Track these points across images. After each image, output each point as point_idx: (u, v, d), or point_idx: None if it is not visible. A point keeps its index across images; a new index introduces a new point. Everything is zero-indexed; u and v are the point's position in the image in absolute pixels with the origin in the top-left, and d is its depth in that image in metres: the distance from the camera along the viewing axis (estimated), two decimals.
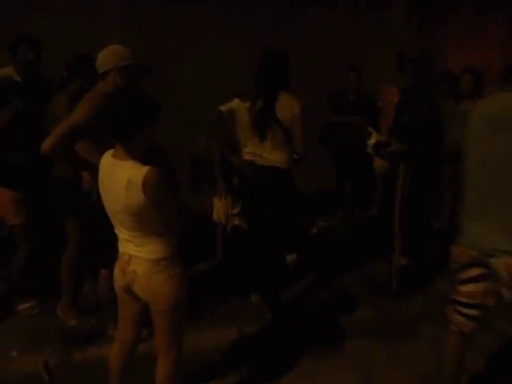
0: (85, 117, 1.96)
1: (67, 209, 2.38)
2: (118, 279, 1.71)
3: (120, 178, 1.53)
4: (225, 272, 3.14)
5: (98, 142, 2.06)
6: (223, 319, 2.62)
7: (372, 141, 2.83)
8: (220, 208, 3.17)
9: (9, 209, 2.55)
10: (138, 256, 1.63)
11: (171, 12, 3.75)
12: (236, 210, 3.18)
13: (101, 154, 1.99)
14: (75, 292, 2.53)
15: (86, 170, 2.11)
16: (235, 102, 2.62)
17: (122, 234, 1.66)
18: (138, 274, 1.63)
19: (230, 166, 2.93)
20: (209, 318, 2.62)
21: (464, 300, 1.78)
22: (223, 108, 2.62)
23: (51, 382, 2.16)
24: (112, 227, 1.69)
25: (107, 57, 2.09)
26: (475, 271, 1.72)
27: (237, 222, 3.19)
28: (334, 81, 3.86)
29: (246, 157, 2.62)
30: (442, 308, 1.95)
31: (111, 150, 1.64)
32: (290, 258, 3.18)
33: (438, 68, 4.00)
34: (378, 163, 3.89)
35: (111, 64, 2.07)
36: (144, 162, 1.54)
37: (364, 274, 3.16)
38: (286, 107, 2.43)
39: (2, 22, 3.26)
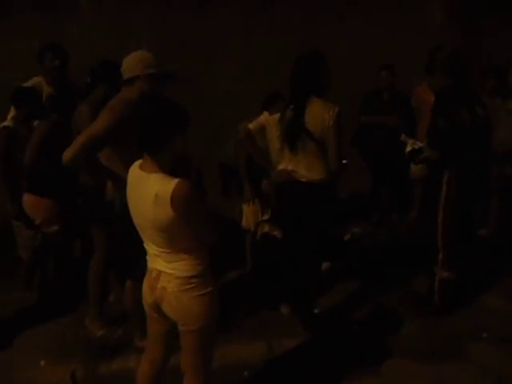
0: (107, 126, 1.91)
1: (92, 217, 2.35)
2: (147, 296, 1.63)
3: (147, 192, 1.45)
4: (254, 282, 3.03)
5: (120, 150, 2.01)
6: (251, 332, 2.51)
7: (408, 149, 2.63)
8: (249, 214, 3.07)
9: (45, 217, 2.60)
10: (167, 272, 1.54)
11: (198, 16, 3.69)
12: (266, 217, 3.08)
13: (124, 163, 1.96)
14: (102, 301, 2.50)
15: (108, 179, 2.07)
16: (263, 117, 2.48)
17: (151, 249, 1.58)
18: (167, 292, 1.54)
19: (257, 170, 2.84)
20: (237, 330, 2.51)
21: None
22: (252, 126, 2.47)
23: None
24: (139, 237, 1.62)
25: (134, 63, 2.04)
26: None
27: (266, 229, 3.09)
28: (368, 81, 3.68)
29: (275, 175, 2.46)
30: (492, 324, 1.74)
31: (139, 161, 1.56)
32: (323, 266, 3.03)
33: (482, 64, 3.73)
34: (414, 167, 3.70)
35: (138, 71, 2.01)
36: (173, 174, 1.46)
37: (403, 286, 2.95)
38: (318, 116, 2.24)
39: (35, 30, 3.32)
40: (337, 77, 2.45)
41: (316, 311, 2.63)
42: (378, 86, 3.69)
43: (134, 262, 2.01)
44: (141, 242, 1.62)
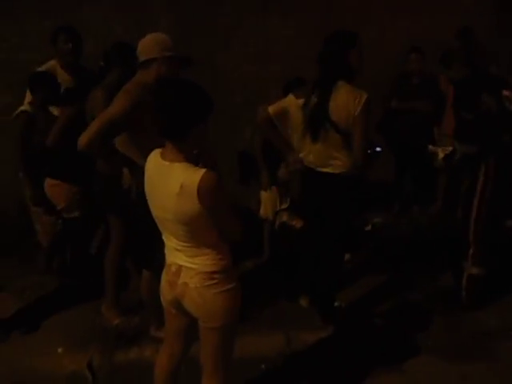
0: (123, 110, 1.84)
1: (109, 205, 2.31)
2: (166, 292, 1.56)
3: (171, 183, 1.36)
4: (271, 272, 2.96)
5: (137, 136, 1.94)
6: (269, 324, 2.45)
7: (440, 156, 2.50)
8: (267, 202, 2.99)
9: (67, 202, 2.60)
10: (189, 267, 1.47)
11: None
12: (284, 206, 3.00)
13: (140, 149, 1.89)
14: (119, 290, 2.47)
15: (125, 166, 2.00)
16: (288, 99, 2.26)
17: (171, 242, 1.50)
18: (189, 288, 1.47)
19: (275, 157, 2.74)
20: (254, 321, 2.44)
21: None
22: (272, 109, 2.26)
23: (94, 382, 2.12)
24: (156, 228, 1.54)
25: (151, 45, 1.94)
26: None
27: (285, 218, 3.02)
28: (395, 65, 3.49)
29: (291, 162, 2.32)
30: None
31: (158, 150, 1.47)
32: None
33: None
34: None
35: (155, 53, 1.92)
36: (198, 164, 1.39)
37: (427, 280, 2.83)
38: (343, 104, 2.06)
39: (48, 11, 3.25)
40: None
41: (336, 304, 2.55)
42: (406, 69, 3.48)
43: (150, 253, 1.97)
44: (158, 232, 1.55)
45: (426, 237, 3.29)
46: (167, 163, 1.40)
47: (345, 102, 2.07)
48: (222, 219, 1.42)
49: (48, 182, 2.59)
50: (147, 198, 1.51)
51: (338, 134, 2.11)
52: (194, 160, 1.41)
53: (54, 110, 2.59)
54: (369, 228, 3.50)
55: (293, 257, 2.67)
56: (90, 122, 1.95)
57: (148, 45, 1.94)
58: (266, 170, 2.86)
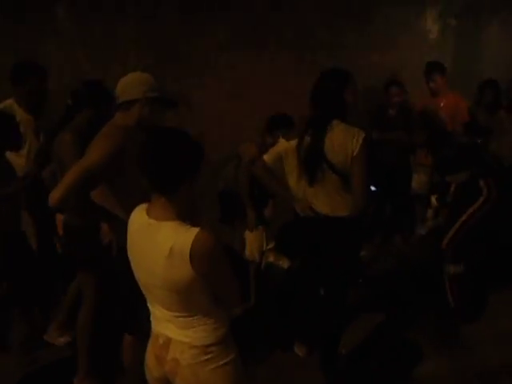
0: (103, 158, 1.62)
1: (80, 259, 2.04)
2: (152, 368, 1.33)
3: (159, 245, 1.19)
4: (260, 318, 2.75)
5: (116, 186, 1.72)
6: (265, 379, 2.23)
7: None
8: (253, 242, 2.81)
9: None
10: (180, 341, 1.26)
11: (187, 31, 3.43)
12: (271, 246, 2.83)
13: (120, 200, 1.69)
14: (93, 358, 2.16)
15: (104, 220, 1.77)
16: (281, 145, 2.12)
17: (159, 312, 1.29)
18: (180, 365, 1.26)
19: (260, 196, 2.62)
20: (250, 380, 2.21)
21: None
22: (267, 157, 2.11)
23: None
24: (137, 287, 1.34)
25: (134, 84, 1.75)
26: None
27: (271, 258, 2.84)
28: (371, 95, 3.51)
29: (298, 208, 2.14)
30: None
31: (143, 206, 1.29)
32: None
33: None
34: (417, 181, 3.59)
35: (140, 94, 1.73)
36: (191, 223, 1.20)
37: (423, 317, 2.72)
38: (340, 144, 1.94)
39: (10, 48, 2.98)
40: None
41: (343, 352, 2.34)
42: (387, 101, 3.47)
43: (132, 314, 1.72)
44: (141, 292, 1.34)
45: (410, 268, 3.24)
46: (154, 221, 1.22)
47: (342, 141, 1.95)
48: (219, 285, 1.24)
49: None
50: (131, 261, 1.31)
51: (335, 174, 1.99)
52: (186, 217, 1.23)
53: (12, 156, 2.30)
54: None
55: (282, 300, 2.48)
56: (57, 168, 1.72)
57: (130, 84, 1.75)
58: (253, 210, 2.69)
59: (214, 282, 1.22)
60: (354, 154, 1.93)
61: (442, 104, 3.45)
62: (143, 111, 1.73)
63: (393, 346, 2.50)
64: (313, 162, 1.99)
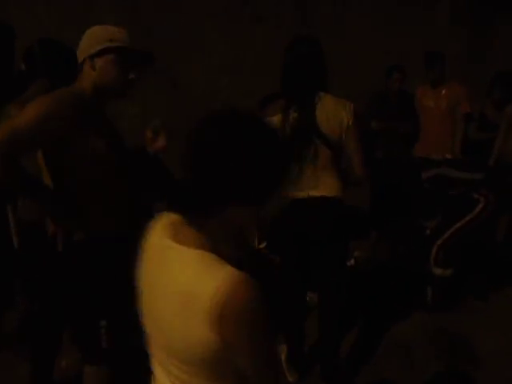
0: (31, 120, 1.25)
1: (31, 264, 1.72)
2: None
3: (172, 281, 0.78)
4: None
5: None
6: None
7: None
8: None
9: None
10: None
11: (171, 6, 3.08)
12: (263, 245, 2.59)
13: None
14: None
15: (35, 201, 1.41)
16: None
17: (160, 376, 0.88)
18: None
19: None
20: None
21: None
22: None
23: None
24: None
25: (93, 37, 1.37)
26: None
27: None
28: (370, 82, 3.27)
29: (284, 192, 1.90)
30: None
31: (168, 220, 0.86)
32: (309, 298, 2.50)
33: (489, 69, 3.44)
34: None
35: (92, 47, 1.35)
36: (224, 258, 0.78)
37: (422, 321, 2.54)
38: (334, 115, 1.79)
39: None
40: (334, 77, 1.99)
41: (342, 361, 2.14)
42: (389, 87, 3.30)
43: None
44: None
45: (405, 265, 3.05)
46: (176, 245, 0.81)
47: (335, 111, 1.79)
48: (251, 359, 0.79)
49: None
50: (141, 293, 0.88)
51: (329, 150, 1.80)
52: (225, 250, 0.80)
53: None
54: (351, 263, 3.16)
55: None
56: None
57: (89, 37, 1.37)
58: None
59: (245, 353, 0.77)
60: (350, 123, 1.81)
61: (442, 92, 3.27)
62: (100, 69, 1.34)
63: (390, 348, 2.31)
64: (305, 138, 1.78)
